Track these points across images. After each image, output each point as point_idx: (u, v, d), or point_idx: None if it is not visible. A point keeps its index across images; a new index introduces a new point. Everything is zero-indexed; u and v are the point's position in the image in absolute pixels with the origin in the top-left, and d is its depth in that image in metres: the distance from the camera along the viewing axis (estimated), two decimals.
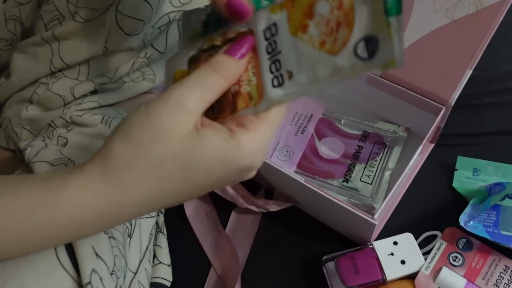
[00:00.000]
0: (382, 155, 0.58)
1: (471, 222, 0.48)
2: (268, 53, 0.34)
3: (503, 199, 0.49)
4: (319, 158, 0.59)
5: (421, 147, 0.51)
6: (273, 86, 0.33)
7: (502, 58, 0.65)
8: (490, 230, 0.47)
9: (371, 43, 0.29)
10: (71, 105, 0.58)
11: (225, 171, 0.31)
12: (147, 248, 0.50)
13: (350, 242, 0.54)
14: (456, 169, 0.57)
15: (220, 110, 0.34)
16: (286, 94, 0.33)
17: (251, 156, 0.31)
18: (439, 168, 0.59)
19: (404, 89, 0.54)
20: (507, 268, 0.48)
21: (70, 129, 0.55)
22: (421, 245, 0.52)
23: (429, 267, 0.49)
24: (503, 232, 0.47)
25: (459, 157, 0.57)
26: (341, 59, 0.31)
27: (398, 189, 0.54)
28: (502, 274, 0.47)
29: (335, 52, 0.31)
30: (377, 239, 0.54)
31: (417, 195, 0.57)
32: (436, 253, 0.50)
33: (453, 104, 0.54)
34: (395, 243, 0.50)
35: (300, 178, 0.50)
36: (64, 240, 0.34)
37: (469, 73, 0.52)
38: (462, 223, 0.48)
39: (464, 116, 0.61)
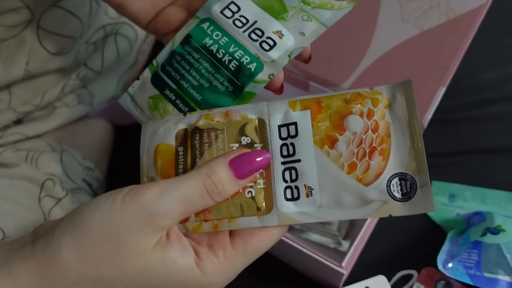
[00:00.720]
0: None
1: (450, 264, 0.43)
2: (283, 156, 0.29)
3: (484, 234, 0.43)
4: None
5: None
6: (286, 198, 0.28)
7: (475, 67, 0.60)
8: (472, 272, 0.42)
9: (407, 184, 0.27)
10: None
11: None
12: None
13: (317, 285, 0.48)
14: None
15: (216, 210, 0.28)
16: (300, 213, 0.28)
17: (213, 287, 0.28)
18: None
19: None
20: None
21: None
22: (396, 286, 0.47)
23: None
24: (486, 274, 0.41)
25: (433, 182, 0.52)
26: (372, 192, 0.27)
27: (366, 223, 0.48)
28: None
29: (365, 183, 0.27)
30: (347, 280, 0.48)
31: (390, 227, 0.51)
32: None
33: (426, 125, 0.48)
34: None
35: None
36: None
37: (442, 90, 0.47)
38: (440, 266, 0.43)
39: (437, 133, 0.56)
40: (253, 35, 0.33)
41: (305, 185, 0.28)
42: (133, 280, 0.26)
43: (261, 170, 0.29)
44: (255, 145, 0.29)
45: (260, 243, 0.28)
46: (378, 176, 0.27)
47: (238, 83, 0.32)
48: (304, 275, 0.49)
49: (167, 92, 0.33)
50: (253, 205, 0.28)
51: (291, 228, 0.51)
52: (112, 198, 0.26)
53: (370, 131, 0.28)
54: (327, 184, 0.28)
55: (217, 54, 0.33)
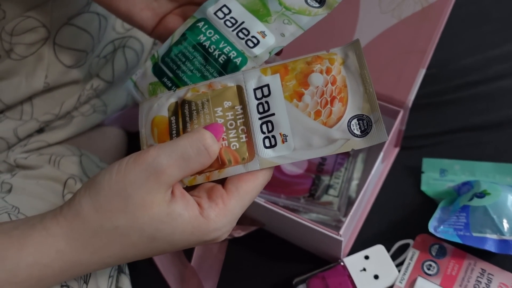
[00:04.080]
0: (347, 165, 0.56)
1: (441, 227, 0.46)
2: (259, 112, 0.34)
3: (471, 199, 0.47)
4: (282, 175, 0.57)
5: (382, 153, 0.49)
6: (265, 146, 0.33)
7: (458, 53, 0.64)
8: (461, 233, 0.45)
9: (364, 122, 0.32)
10: (15, 148, 0.55)
11: (191, 243, 0.32)
12: None
13: (321, 260, 0.51)
14: (423, 172, 0.55)
15: None
16: (278, 157, 0.33)
17: (218, 232, 0.32)
18: (406, 172, 0.57)
19: None
20: (483, 271, 0.46)
21: (15, 174, 0.52)
22: (395, 256, 0.50)
23: (404, 279, 0.46)
24: (474, 234, 0.45)
25: (424, 159, 0.55)
26: (335, 132, 0.32)
27: (365, 200, 0.52)
28: (479, 279, 0.45)
29: (330, 125, 0.32)
30: (350, 253, 0.51)
31: (387, 203, 0.55)
32: (409, 263, 0.47)
33: (410, 105, 0.52)
34: (367, 257, 0.48)
35: (261, 200, 0.47)
36: None
37: (422, 72, 0.51)
38: (431, 229, 0.46)
39: (426, 115, 0.60)
40: (240, 34, 0.38)
41: (280, 134, 0.33)
42: (144, 230, 0.30)
43: (242, 127, 0.33)
44: (235, 107, 0.34)
45: (248, 184, 0.32)
46: (339, 119, 0.32)
47: (225, 74, 0.37)
48: (305, 250, 0.52)
49: (165, 79, 0.39)
50: (238, 155, 0.33)
51: (295, 211, 0.55)
52: (118, 162, 0.31)
53: (329, 84, 0.33)
54: (298, 130, 0.33)
55: (209, 49, 0.38)
